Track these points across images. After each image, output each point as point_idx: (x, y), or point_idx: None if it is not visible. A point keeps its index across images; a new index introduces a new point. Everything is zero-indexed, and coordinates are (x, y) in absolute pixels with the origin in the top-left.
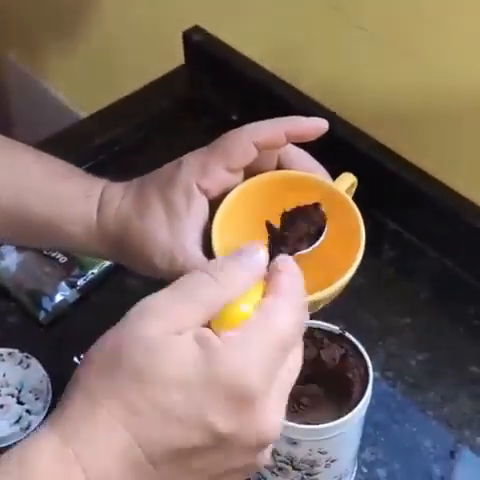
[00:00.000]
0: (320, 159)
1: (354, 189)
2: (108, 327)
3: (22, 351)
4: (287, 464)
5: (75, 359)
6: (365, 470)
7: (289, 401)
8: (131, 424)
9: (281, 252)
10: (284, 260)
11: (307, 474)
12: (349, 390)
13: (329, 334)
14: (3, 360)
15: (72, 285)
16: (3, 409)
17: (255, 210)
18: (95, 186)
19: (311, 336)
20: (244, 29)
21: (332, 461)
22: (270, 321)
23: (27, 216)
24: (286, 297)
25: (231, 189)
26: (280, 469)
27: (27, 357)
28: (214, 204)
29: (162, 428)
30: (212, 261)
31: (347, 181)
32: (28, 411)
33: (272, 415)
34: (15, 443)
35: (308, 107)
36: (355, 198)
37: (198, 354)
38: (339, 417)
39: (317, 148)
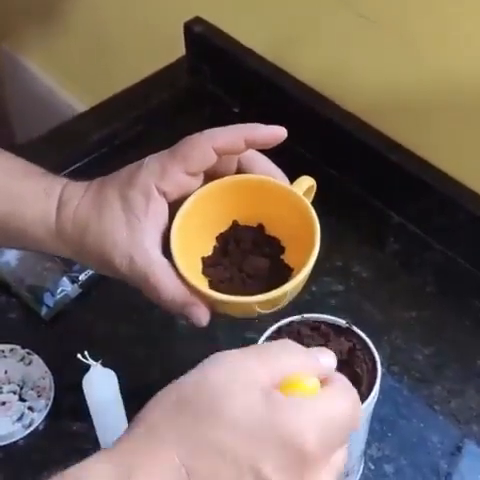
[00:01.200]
0: (321, 151)
1: (313, 192)
2: (110, 322)
3: (24, 347)
4: None
5: (78, 355)
6: (372, 466)
7: None
8: (187, 458)
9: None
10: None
11: None
12: (357, 385)
13: (336, 328)
14: (5, 357)
15: (73, 280)
16: (5, 406)
17: (214, 213)
18: (55, 185)
19: (318, 329)
20: (245, 20)
21: None
22: (336, 400)
23: None
24: (344, 388)
25: (191, 192)
26: None
27: (29, 353)
28: (174, 207)
29: (214, 464)
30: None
31: (304, 184)
32: (30, 408)
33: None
34: (17, 441)
35: (309, 98)
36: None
37: (262, 402)
38: None
39: (319, 139)
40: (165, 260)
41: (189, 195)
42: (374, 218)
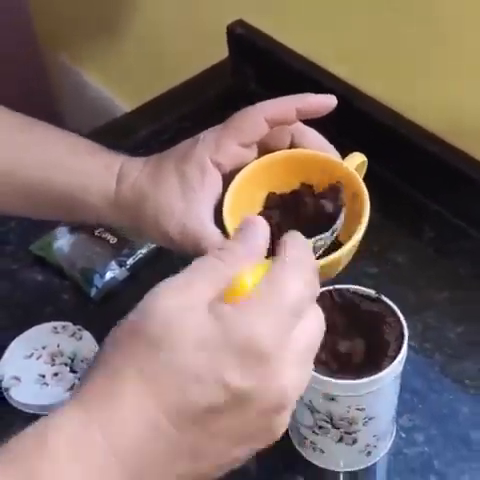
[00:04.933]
0: (360, 143)
1: (365, 168)
2: None
3: (75, 324)
4: (327, 422)
5: None
6: (403, 435)
7: (327, 350)
8: (152, 391)
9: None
10: (291, 234)
11: (346, 432)
12: (385, 349)
13: (366, 297)
14: (58, 332)
15: (121, 264)
16: (58, 377)
17: (267, 185)
18: (116, 160)
19: (348, 299)
20: (288, 23)
21: (370, 419)
22: (277, 288)
23: (50, 189)
24: (292, 265)
25: (245, 164)
26: (320, 428)
27: (79, 330)
28: (229, 178)
29: (181, 390)
30: (216, 243)
31: (356, 159)
32: (80, 379)
33: (287, 375)
34: None
35: (346, 92)
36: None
37: (211, 320)
38: (376, 373)
39: (361, 133)
40: (217, 229)
41: (243, 167)
42: (411, 207)
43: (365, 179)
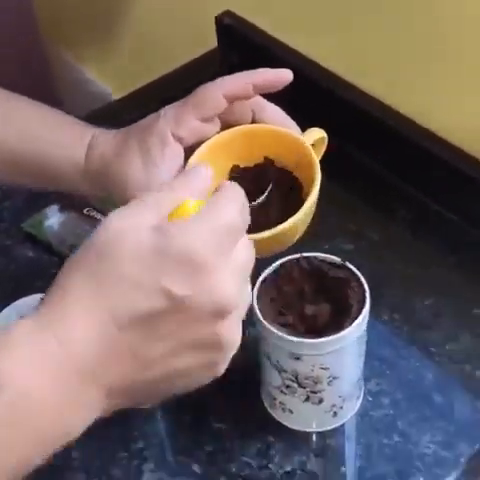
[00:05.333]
0: (340, 130)
1: (325, 144)
2: None
3: None
4: (293, 381)
5: None
6: (370, 398)
7: (295, 313)
8: (95, 291)
9: None
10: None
11: (312, 392)
12: (349, 312)
13: (332, 265)
14: None
15: None
16: None
17: (228, 159)
18: (88, 132)
19: (316, 266)
20: (275, 14)
21: (334, 378)
22: (215, 209)
23: (28, 159)
24: (228, 193)
25: (207, 138)
26: (287, 387)
27: None
28: (191, 152)
29: (124, 294)
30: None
31: (314, 134)
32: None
33: (224, 283)
34: None
35: (336, 85)
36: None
37: (152, 233)
38: (338, 333)
39: (341, 120)
40: None
41: (204, 141)
42: (388, 190)
43: (329, 155)
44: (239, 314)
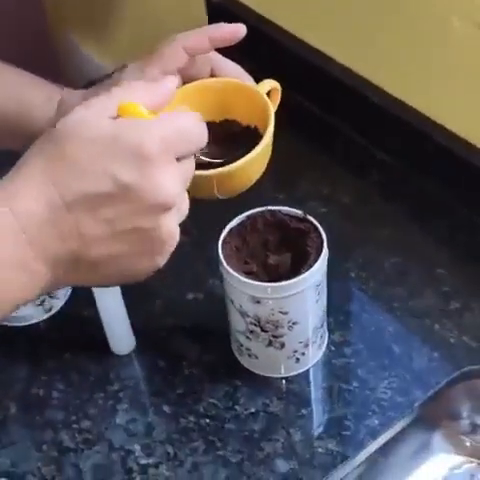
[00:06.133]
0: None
1: (279, 95)
2: None
3: None
4: (256, 325)
5: None
6: (333, 348)
7: (258, 262)
8: (49, 171)
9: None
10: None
11: (273, 336)
12: (307, 260)
13: (295, 217)
14: None
15: None
16: None
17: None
18: (57, 92)
19: (278, 218)
20: None
21: (294, 323)
22: (174, 116)
23: (4, 120)
24: (188, 112)
25: None
26: (251, 332)
27: None
28: None
29: (75, 175)
30: None
31: (267, 85)
32: (51, 296)
33: (166, 180)
34: (38, 323)
35: (316, 59)
36: None
37: (109, 124)
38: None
39: (320, 91)
40: None
41: None
42: (360, 154)
43: (293, 113)
44: (179, 214)
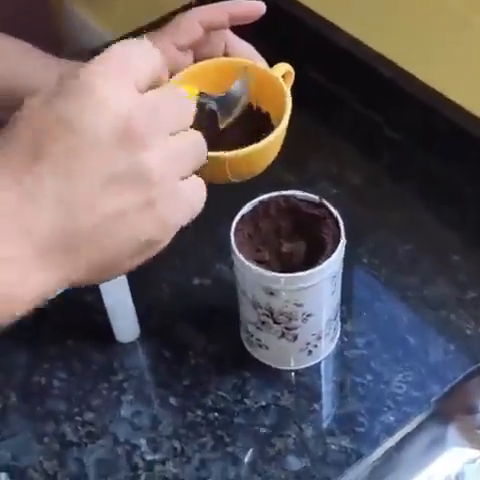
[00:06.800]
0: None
1: (292, 79)
2: None
3: None
4: (268, 317)
5: None
6: (346, 339)
7: (271, 250)
8: (38, 135)
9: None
10: None
11: (286, 328)
12: (323, 249)
13: (310, 203)
14: None
15: None
16: None
17: (201, 89)
18: (52, 63)
19: (292, 203)
20: None
21: (308, 316)
22: (161, 91)
23: (5, 90)
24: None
25: (181, 69)
26: (263, 323)
27: None
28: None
29: (43, 136)
30: None
31: (282, 68)
32: None
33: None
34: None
35: (320, 26)
36: None
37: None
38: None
39: (328, 62)
40: None
41: (178, 72)
42: (371, 133)
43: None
44: (165, 149)
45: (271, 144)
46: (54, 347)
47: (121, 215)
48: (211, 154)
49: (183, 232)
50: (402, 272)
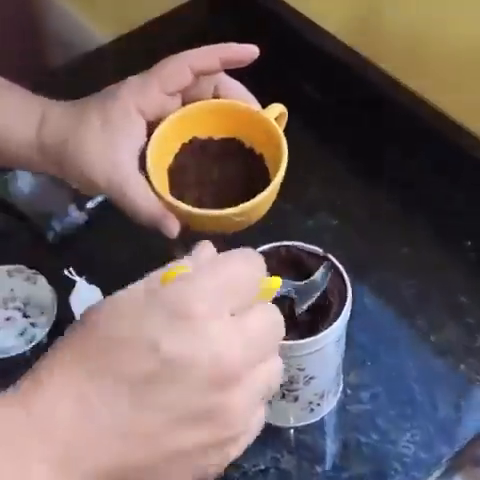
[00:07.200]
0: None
1: (285, 119)
2: (112, 248)
3: (31, 268)
4: None
5: (65, 271)
6: (349, 391)
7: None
8: (81, 361)
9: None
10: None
11: (287, 390)
12: (328, 311)
13: (313, 255)
14: (11, 276)
15: (81, 207)
16: (9, 321)
17: (189, 134)
18: (37, 102)
19: (295, 255)
20: None
21: (310, 378)
22: (212, 265)
23: None
24: (231, 254)
25: (169, 113)
26: None
27: (34, 274)
28: (152, 127)
29: (108, 354)
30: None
31: (276, 109)
32: (33, 324)
33: (222, 341)
34: (21, 355)
35: (315, 36)
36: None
37: (144, 291)
38: (316, 335)
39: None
40: (141, 176)
41: (166, 116)
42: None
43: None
44: (255, 385)
45: (268, 197)
46: None
47: (182, 455)
48: (202, 212)
49: None
50: (408, 314)
